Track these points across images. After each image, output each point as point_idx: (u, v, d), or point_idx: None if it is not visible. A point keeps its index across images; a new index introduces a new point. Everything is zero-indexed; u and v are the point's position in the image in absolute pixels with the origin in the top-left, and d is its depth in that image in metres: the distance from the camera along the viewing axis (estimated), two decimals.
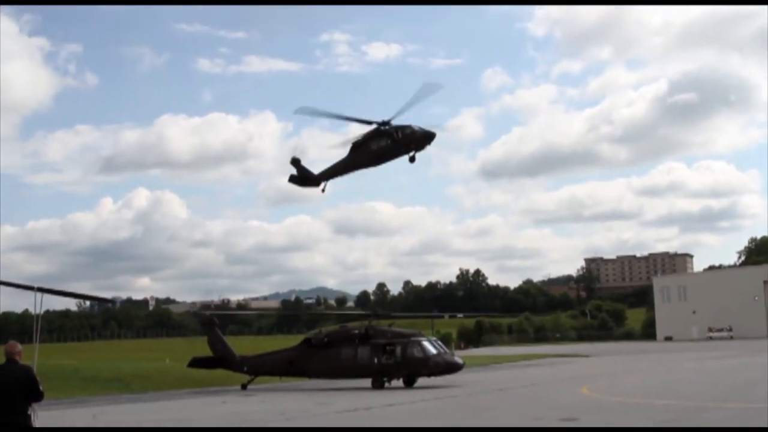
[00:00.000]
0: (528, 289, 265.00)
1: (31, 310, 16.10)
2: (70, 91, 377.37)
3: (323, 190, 49.79)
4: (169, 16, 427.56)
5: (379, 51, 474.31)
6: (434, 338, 47.64)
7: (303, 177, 49.82)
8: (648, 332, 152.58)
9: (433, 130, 44.51)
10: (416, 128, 44.12)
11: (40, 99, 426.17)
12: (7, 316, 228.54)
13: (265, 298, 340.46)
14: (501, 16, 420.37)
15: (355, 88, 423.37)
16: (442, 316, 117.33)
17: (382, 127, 44.76)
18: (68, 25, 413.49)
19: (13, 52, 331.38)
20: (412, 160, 44.84)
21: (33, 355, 14.90)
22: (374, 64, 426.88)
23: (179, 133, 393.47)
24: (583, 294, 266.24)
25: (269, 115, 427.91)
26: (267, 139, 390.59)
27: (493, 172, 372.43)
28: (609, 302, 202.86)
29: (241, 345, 64.67)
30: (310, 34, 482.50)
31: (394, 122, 44.85)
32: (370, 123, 45.16)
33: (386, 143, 44.84)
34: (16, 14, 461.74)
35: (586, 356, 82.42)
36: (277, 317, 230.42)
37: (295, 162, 49.99)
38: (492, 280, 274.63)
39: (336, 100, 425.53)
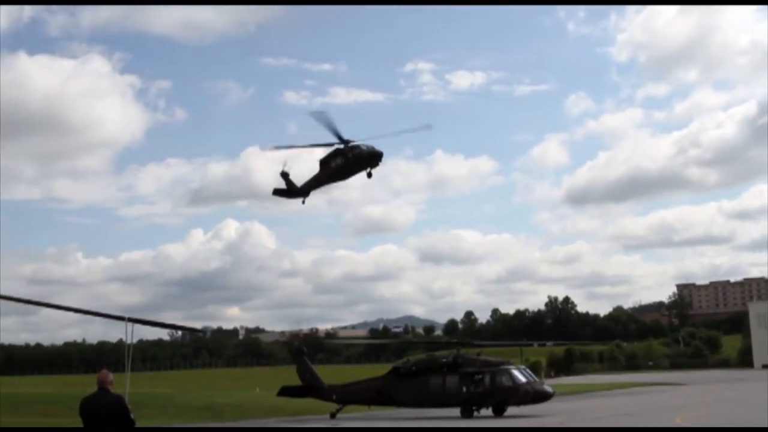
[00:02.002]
0: (618, 316, 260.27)
1: (124, 340, 16.31)
2: (160, 126, 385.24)
3: (303, 202, 53.86)
4: (255, 50, 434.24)
5: (464, 79, 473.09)
6: (523, 367, 47.08)
7: (289, 190, 53.23)
8: (745, 360, 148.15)
9: (378, 150, 48.84)
10: (364, 148, 48.50)
11: (133, 134, 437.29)
12: (103, 346, 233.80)
13: (353, 327, 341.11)
14: (583, 41, 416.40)
15: (440, 116, 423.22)
16: (531, 345, 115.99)
17: (340, 147, 48.94)
18: (157, 62, 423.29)
19: (106, 90, 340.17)
20: (369, 175, 49.33)
21: (124, 384, 15.09)
22: (458, 92, 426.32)
23: (265, 164, 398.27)
24: (676, 321, 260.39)
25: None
26: None
27: (579, 198, 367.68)
28: (703, 329, 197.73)
29: (330, 374, 64.82)
30: (395, 65, 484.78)
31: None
32: (331, 145, 49.13)
33: (341, 161, 49.24)
34: (109, 53, 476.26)
35: (681, 385, 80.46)
36: (366, 346, 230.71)
37: (285, 175, 52.93)
38: (581, 308, 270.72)
39: (421, 128, 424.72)
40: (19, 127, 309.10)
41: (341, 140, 48.80)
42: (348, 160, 49.11)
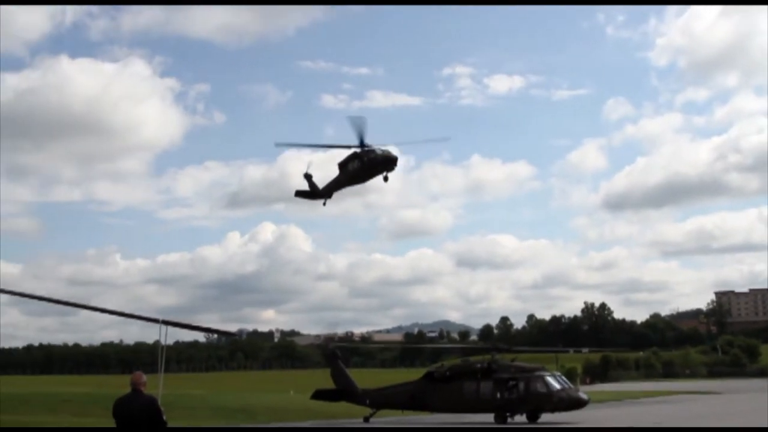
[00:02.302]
0: (656, 323, 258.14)
1: (159, 342, 16.45)
2: (198, 129, 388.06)
3: (324, 204, 54.63)
4: (293, 54, 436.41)
5: (502, 83, 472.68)
6: (558, 373, 46.84)
7: (311, 192, 54.36)
8: None
9: (394, 154, 50.13)
10: (379, 152, 49.60)
11: (172, 137, 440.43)
12: (139, 347, 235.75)
13: (388, 331, 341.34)
14: (622, 46, 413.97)
15: (478, 120, 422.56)
16: (567, 351, 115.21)
17: (358, 150, 50.03)
18: (196, 65, 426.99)
19: (146, 93, 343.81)
20: (385, 179, 50.50)
21: (158, 386, 15.20)
22: (496, 96, 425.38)
23: (303, 167, 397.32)
24: (714, 329, 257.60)
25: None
26: (389, 173, 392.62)
27: (617, 204, 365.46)
28: (741, 337, 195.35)
29: (364, 378, 64.81)
30: (433, 68, 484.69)
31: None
32: (349, 147, 50.16)
33: (357, 165, 50.37)
34: (149, 56, 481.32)
35: (718, 394, 79.56)
36: (400, 350, 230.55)
37: (308, 177, 54.11)
38: (618, 314, 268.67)
39: (459, 132, 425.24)
40: (61, 129, 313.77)
41: (360, 144, 49.73)
42: (364, 164, 50.18)
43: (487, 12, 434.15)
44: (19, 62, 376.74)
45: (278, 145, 54.15)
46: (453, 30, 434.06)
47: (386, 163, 49.87)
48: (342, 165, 51.77)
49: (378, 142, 49.01)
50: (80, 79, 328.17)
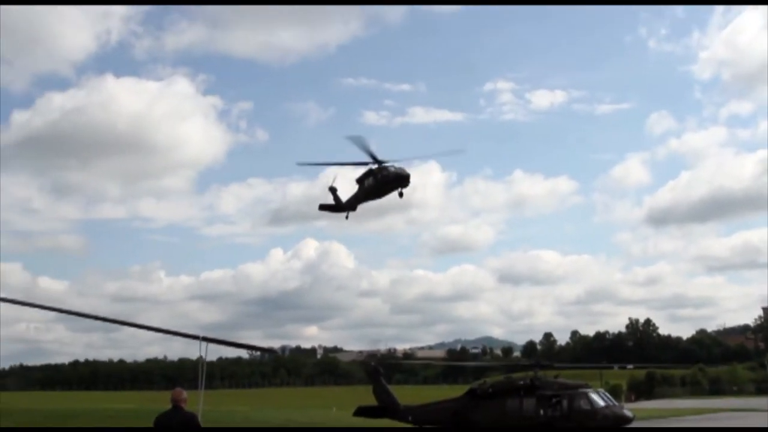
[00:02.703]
0: (702, 339, 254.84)
1: (199, 358, 16.52)
2: (241, 146, 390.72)
3: (347, 217, 55.89)
4: (335, 71, 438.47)
5: (544, 98, 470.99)
6: (602, 390, 46.34)
7: (336, 205, 55.78)
8: None
9: (407, 172, 51.13)
10: (391, 170, 50.92)
11: (215, 154, 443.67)
12: (183, 363, 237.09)
13: (431, 348, 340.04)
14: (664, 59, 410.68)
15: (520, 135, 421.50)
16: (611, 367, 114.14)
17: (374, 167, 51.55)
18: (239, 83, 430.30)
19: (189, 111, 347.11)
20: (400, 195, 51.73)
21: (198, 402, 15.23)
22: (539, 111, 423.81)
23: (344, 184, 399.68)
24: (762, 344, 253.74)
25: (433, 165, 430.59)
26: (431, 188, 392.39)
27: (660, 219, 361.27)
28: None
29: (407, 394, 64.61)
30: (475, 84, 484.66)
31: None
32: (366, 164, 51.52)
33: (372, 182, 51.97)
34: (192, 75, 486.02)
35: (765, 411, 78.29)
36: (443, 367, 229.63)
37: (333, 190, 55.75)
38: (663, 330, 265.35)
39: (500, 148, 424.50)
40: (106, 147, 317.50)
41: (375, 160, 51.11)
42: (377, 181, 51.70)
43: (529, 27, 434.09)
44: (66, 82, 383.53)
45: (300, 164, 57.44)
46: (494, 45, 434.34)
47: (399, 180, 51.18)
48: (359, 181, 53.33)
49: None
50: (125, 98, 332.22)
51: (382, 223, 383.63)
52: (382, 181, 51.71)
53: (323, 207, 56.40)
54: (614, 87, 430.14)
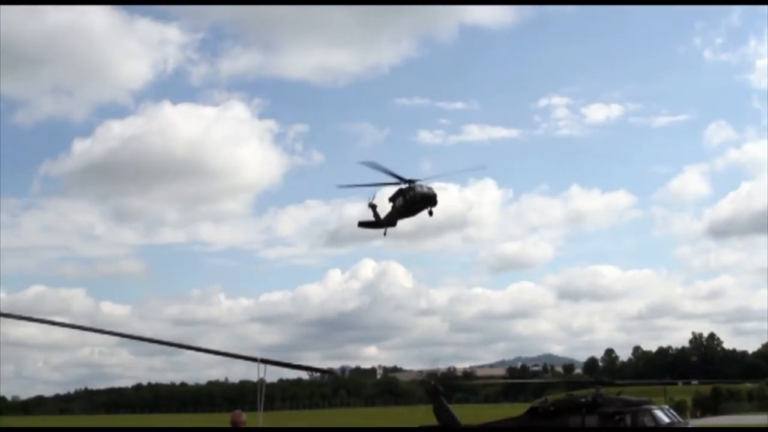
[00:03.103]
0: None
1: (258, 380, 16.59)
2: (297, 168, 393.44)
3: (385, 234, 57.15)
4: (389, 91, 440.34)
5: (599, 112, 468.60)
6: (666, 407, 45.53)
7: (375, 222, 56.83)
8: None
9: (434, 191, 52.92)
10: (418, 190, 52.75)
11: (272, 177, 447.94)
12: (244, 385, 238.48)
13: (491, 366, 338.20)
14: (720, 69, 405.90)
15: (576, 150, 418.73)
16: (676, 383, 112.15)
17: (403, 187, 53.37)
18: (294, 106, 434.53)
19: (246, 135, 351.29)
20: (430, 213, 53.38)
21: (258, 423, 15.27)
22: (594, 125, 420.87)
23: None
24: None
25: (489, 182, 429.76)
26: (487, 206, 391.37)
27: (722, 231, 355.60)
28: None
29: (467, 413, 64.22)
30: (529, 100, 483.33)
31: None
32: (397, 183, 53.36)
33: (401, 201, 53.58)
34: (248, 99, 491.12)
35: None
36: (504, 385, 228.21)
37: (373, 207, 56.65)
38: (728, 344, 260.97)
39: (556, 163, 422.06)
40: (164, 173, 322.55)
41: (403, 180, 52.99)
42: (406, 201, 53.41)
43: (582, 41, 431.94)
44: (124, 110, 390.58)
45: (340, 186, 60.36)
46: (548, 60, 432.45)
47: (426, 200, 52.87)
48: (391, 200, 54.94)
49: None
50: (182, 124, 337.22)
51: (439, 241, 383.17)
52: (411, 201, 53.21)
53: (363, 224, 57.57)
54: (670, 99, 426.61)
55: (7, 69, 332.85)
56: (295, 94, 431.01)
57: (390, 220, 56.26)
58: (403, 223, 55.08)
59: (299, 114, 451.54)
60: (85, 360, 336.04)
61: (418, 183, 53.02)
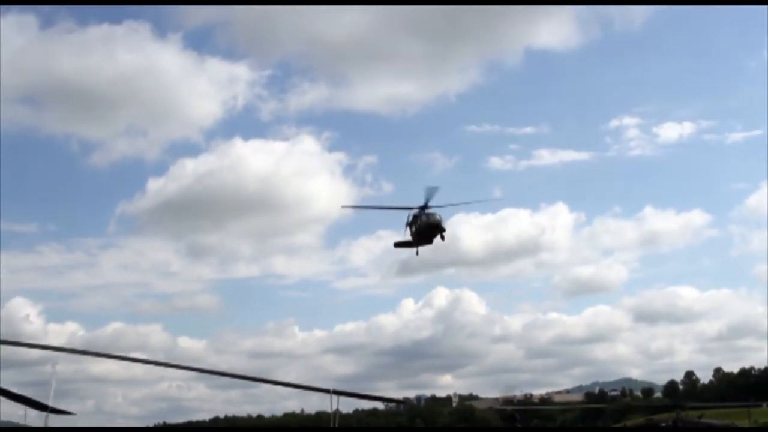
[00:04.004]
0: None
1: (332, 411, 16.62)
2: (368, 199, 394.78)
3: (417, 253, 59.85)
4: (457, 119, 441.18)
5: (672, 131, 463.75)
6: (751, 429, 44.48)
7: (410, 242, 59.43)
8: None
9: (438, 219, 56.23)
10: (424, 219, 56.22)
11: (343, 209, 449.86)
12: (320, 416, 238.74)
13: (568, 392, 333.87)
14: None
15: (648, 171, 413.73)
16: (760, 405, 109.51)
17: (416, 213, 56.77)
18: (363, 138, 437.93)
19: (316, 168, 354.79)
20: (442, 238, 56.61)
21: None
22: (667, 144, 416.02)
23: (472, 231, 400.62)
24: None
25: (561, 206, 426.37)
26: (560, 230, 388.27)
27: None
28: None
29: None
30: (599, 122, 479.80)
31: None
32: (411, 209, 56.93)
33: (414, 228, 56.89)
34: (317, 132, 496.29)
35: None
36: (582, 410, 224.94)
37: (410, 226, 59.09)
38: None
39: (629, 185, 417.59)
40: (237, 208, 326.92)
41: (420, 206, 56.44)
42: (418, 228, 56.87)
43: (651, 60, 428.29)
44: (196, 148, 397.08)
45: (344, 207, 65.59)
46: (617, 81, 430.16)
47: (432, 228, 56.29)
48: (407, 226, 58.51)
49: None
50: (253, 159, 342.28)
51: (512, 267, 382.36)
52: (419, 229, 56.81)
53: (398, 244, 60.20)
54: (744, 114, 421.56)
55: (83, 112, 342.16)
56: (363, 125, 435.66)
57: (416, 243, 58.90)
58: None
59: (368, 145, 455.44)
60: (163, 394, 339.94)
61: (429, 211, 56.48)
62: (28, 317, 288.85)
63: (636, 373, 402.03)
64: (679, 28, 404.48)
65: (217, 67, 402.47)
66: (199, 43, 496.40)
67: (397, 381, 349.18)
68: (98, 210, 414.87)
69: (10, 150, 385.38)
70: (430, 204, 55.97)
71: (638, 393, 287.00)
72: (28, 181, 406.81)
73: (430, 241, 57.46)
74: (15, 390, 31.24)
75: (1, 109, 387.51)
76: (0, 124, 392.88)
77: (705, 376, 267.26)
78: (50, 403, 32.19)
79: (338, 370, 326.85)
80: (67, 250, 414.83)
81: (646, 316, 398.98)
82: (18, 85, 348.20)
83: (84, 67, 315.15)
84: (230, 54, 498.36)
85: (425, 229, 55.98)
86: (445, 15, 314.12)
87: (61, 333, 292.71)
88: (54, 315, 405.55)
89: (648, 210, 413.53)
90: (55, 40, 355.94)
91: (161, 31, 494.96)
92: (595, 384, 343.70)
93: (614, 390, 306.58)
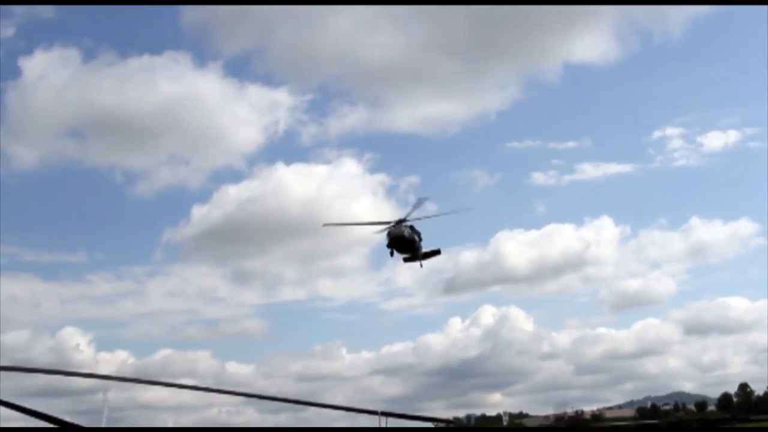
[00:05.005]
0: None
1: None
2: (411, 219, 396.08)
3: (421, 266, 64.47)
4: (498, 137, 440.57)
5: (716, 140, 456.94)
6: None
7: (411, 256, 63.49)
8: None
9: (397, 231, 59.48)
10: (389, 232, 59.71)
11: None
12: None
13: (620, 407, 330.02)
14: None
15: (693, 181, 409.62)
16: None
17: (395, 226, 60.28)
18: (404, 158, 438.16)
19: (358, 190, 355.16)
20: (414, 251, 62.44)
21: None
22: (712, 154, 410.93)
23: (516, 247, 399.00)
24: None
25: (606, 220, 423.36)
26: (605, 244, 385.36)
27: None
28: None
29: None
30: (642, 133, 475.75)
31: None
32: (388, 223, 60.34)
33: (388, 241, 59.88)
34: (358, 155, 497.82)
35: None
36: (634, 426, 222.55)
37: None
38: None
39: (674, 196, 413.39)
40: (281, 232, 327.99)
41: (399, 220, 59.54)
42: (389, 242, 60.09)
43: (692, 69, 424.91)
44: (239, 174, 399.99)
45: (325, 225, 70.15)
46: (658, 92, 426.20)
47: (393, 240, 59.52)
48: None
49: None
50: (296, 183, 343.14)
51: (558, 283, 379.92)
52: (390, 243, 60.15)
53: (408, 259, 63.47)
54: None
55: (126, 143, 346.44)
56: (404, 146, 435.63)
57: (423, 256, 62.56)
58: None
59: (410, 166, 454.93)
60: (213, 419, 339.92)
61: (404, 224, 59.56)
62: (79, 346, 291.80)
63: (688, 387, 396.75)
64: (718, 36, 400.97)
65: (257, 93, 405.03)
66: (239, 71, 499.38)
67: (446, 401, 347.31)
68: (144, 238, 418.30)
69: (57, 182, 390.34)
70: (408, 217, 59.25)
71: (691, 406, 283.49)
72: (76, 212, 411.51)
73: (409, 253, 61.08)
74: (68, 419, 31.69)
75: (47, 143, 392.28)
76: (47, 157, 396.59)
77: (760, 388, 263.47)
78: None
79: (386, 391, 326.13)
80: (116, 278, 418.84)
81: (696, 328, 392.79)
82: (63, 119, 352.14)
83: (126, 98, 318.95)
84: (270, 80, 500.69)
85: (391, 244, 58.92)
86: (481, 33, 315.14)
87: (112, 361, 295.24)
88: (104, 343, 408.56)
89: (694, 221, 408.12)
90: (97, 72, 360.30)
91: (201, 59, 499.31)
92: (646, 398, 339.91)
93: (666, 404, 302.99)
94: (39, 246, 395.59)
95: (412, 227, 62.35)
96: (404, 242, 59.33)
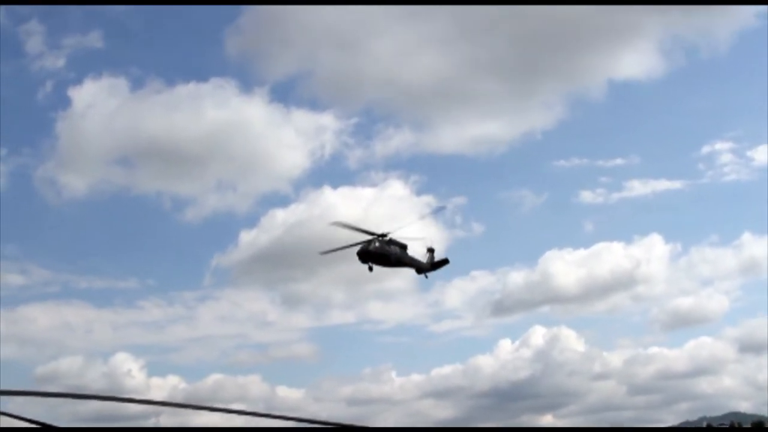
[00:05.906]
0: None
1: None
2: (459, 241, 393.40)
3: (426, 277, 67.88)
4: (545, 156, 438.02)
5: (766, 154, 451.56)
6: None
7: (420, 269, 66.61)
8: None
9: (364, 247, 62.69)
10: (361, 246, 62.70)
11: (435, 252, 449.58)
12: None
13: (675, 428, 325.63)
14: None
15: (744, 196, 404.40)
16: None
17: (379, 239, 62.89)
18: (451, 180, 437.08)
19: (405, 212, 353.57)
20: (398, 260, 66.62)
21: None
22: (763, 168, 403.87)
23: (564, 267, 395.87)
24: None
25: (656, 237, 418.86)
26: (655, 262, 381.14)
27: None
28: None
29: None
30: (690, 149, 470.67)
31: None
32: (374, 234, 63.75)
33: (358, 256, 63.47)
34: (404, 177, 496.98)
35: None
36: None
37: (431, 251, 67.78)
38: None
39: (725, 211, 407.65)
40: (330, 256, 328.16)
41: (380, 234, 62.13)
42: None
43: (738, 83, 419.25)
44: (286, 198, 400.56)
45: (322, 253, 76.17)
46: (706, 107, 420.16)
47: (359, 255, 63.05)
48: None
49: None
50: (342, 207, 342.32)
51: (608, 302, 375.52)
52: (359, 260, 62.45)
53: (420, 271, 66.70)
54: None
55: (173, 169, 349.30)
56: (450, 167, 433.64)
57: (428, 267, 65.01)
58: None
59: (456, 187, 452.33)
60: None
61: (381, 239, 62.03)
62: (131, 372, 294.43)
63: (745, 406, 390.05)
64: (765, 48, 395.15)
65: (303, 117, 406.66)
66: (285, 96, 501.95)
67: (497, 423, 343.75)
68: (194, 263, 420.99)
69: (107, 210, 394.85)
70: (389, 232, 61.21)
71: (748, 426, 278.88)
72: (126, 239, 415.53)
73: (386, 265, 63.42)
74: None
75: (97, 171, 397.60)
76: (96, 185, 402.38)
77: None
78: None
79: (437, 414, 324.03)
80: (167, 303, 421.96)
81: (751, 346, 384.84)
82: (111, 147, 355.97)
83: (173, 125, 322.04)
84: (315, 104, 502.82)
85: (370, 256, 61.81)
86: (525, 53, 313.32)
87: (163, 386, 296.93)
88: (155, 368, 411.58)
89: (746, 236, 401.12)
90: (145, 100, 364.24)
91: (247, 85, 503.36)
92: (702, 419, 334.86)
93: (722, 424, 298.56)
94: (91, 273, 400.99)
95: (390, 241, 65.03)
96: (373, 256, 61.57)
